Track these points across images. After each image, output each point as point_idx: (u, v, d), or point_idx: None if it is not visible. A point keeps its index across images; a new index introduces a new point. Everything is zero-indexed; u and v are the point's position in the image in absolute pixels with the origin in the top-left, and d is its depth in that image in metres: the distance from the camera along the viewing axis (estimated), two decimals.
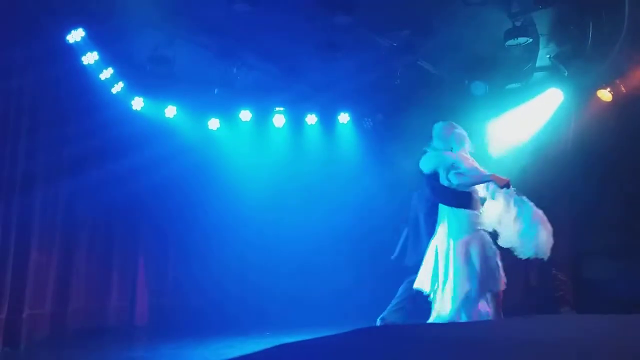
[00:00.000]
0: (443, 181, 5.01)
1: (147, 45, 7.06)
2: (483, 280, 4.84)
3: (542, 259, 4.92)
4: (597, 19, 6.41)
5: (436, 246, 5.06)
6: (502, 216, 4.93)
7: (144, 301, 7.91)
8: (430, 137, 5.31)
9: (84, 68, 6.97)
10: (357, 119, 9.04)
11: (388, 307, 6.08)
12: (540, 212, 4.89)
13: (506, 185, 4.83)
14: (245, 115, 8.71)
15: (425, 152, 5.27)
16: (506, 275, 5.43)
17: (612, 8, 6.17)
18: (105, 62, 7.14)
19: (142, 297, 7.91)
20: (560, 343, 2.72)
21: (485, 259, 4.88)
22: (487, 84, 7.51)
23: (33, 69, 6.32)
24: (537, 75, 7.47)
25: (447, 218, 5.04)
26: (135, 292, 7.85)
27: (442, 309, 4.87)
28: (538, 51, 6.99)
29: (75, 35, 6.73)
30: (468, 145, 5.22)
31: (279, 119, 8.89)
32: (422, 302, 5.22)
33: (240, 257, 8.56)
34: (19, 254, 6.14)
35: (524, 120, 7.60)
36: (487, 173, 4.99)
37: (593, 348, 2.54)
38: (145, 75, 7.49)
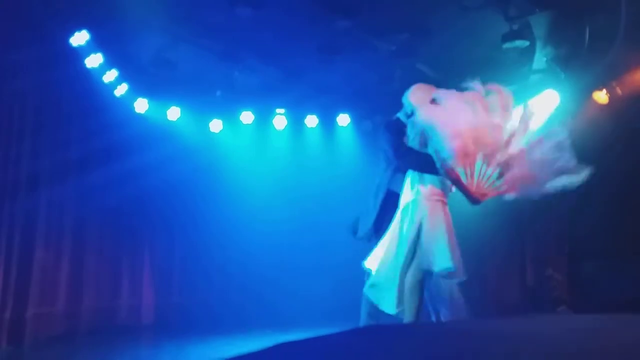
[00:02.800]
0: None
1: (150, 48, 7.13)
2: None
3: None
4: (594, 21, 6.47)
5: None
6: None
7: (150, 300, 8.00)
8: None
9: (87, 70, 7.02)
10: (356, 121, 9.11)
11: None
12: None
13: None
14: (247, 117, 8.79)
15: None
16: (502, 275, 5.44)
17: (609, 11, 6.23)
18: (109, 64, 7.21)
19: (148, 296, 7.99)
20: (557, 342, 2.76)
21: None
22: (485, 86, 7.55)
23: (37, 71, 6.38)
24: (534, 77, 7.53)
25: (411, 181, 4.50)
26: (141, 292, 7.94)
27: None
28: (535, 54, 7.05)
29: (79, 38, 6.79)
30: None
31: (280, 122, 8.97)
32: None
33: (242, 257, 8.62)
34: (23, 254, 6.23)
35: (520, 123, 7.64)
36: None
37: (590, 348, 2.58)
38: (148, 77, 7.56)
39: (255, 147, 9.07)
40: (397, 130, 4.80)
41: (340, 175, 8.87)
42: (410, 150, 4.55)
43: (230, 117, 8.79)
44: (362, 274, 8.50)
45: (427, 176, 4.42)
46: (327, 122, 9.21)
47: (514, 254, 7.67)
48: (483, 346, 2.69)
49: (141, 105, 7.91)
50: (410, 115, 4.64)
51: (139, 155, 7.35)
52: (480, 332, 3.42)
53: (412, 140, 4.60)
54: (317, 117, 9.15)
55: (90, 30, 6.82)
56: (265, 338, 6.33)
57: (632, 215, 6.77)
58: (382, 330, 3.49)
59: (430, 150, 4.35)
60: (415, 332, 3.49)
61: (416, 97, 4.69)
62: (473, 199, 4.24)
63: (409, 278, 4.34)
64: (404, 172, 4.63)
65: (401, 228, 4.44)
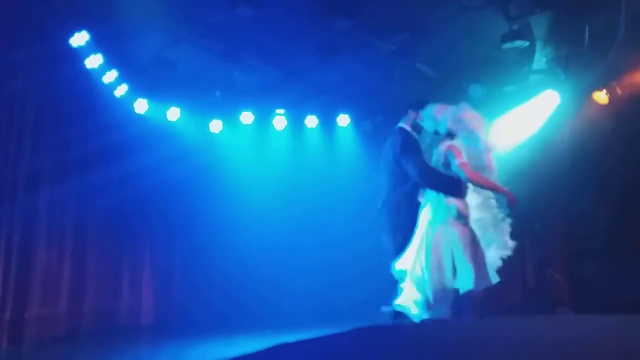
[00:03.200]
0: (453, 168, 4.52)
1: (149, 48, 7.13)
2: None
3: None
4: (594, 21, 6.47)
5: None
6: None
7: (150, 301, 7.98)
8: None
9: (87, 71, 7.01)
10: (356, 121, 9.11)
11: None
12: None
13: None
14: (247, 118, 8.79)
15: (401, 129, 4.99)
16: (503, 276, 5.38)
17: (609, 11, 6.23)
18: (108, 64, 7.20)
19: (148, 296, 7.98)
20: (558, 343, 2.76)
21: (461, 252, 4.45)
22: (485, 86, 7.56)
23: (37, 71, 6.37)
24: (534, 77, 7.53)
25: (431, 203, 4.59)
26: (142, 292, 7.92)
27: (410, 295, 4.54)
28: (535, 54, 7.05)
29: (79, 39, 6.78)
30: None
31: (279, 122, 8.97)
32: None
33: (242, 258, 8.61)
34: (23, 254, 6.21)
35: (521, 123, 7.66)
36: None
37: (591, 349, 2.58)
38: (148, 78, 7.56)
39: (255, 148, 9.07)
40: (414, 147, 4.84)
41: (340, 175, 8.87)
42: (436, 173, 4.61)
43: (230, 117, 8.78)
44: (361, 274, 8.39)
45: (452, 200, 4.52)
46: (327, 122, 9.21)
47: (514, 254, 7.65)
48: (484, 347, 2.69)
49: (141, 106, 7.90)
50: (445, 135, 4.66)
51: (139, 156, 7.34)
52: (481, 332, 3.42)
53: (435, 160, 4.65)
54: (317, 118, 9.15)
55: (89, 30, 6.80)
56: (266, 338, 6.32)
57: (633, 216, 6.77)
58: (382, 331, 3.49)
59: (453, 168, 4.50)
60: (415, 333, 3.49)
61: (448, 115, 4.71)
62: (512, 198, 4.49)
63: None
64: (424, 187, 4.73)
65: (428, 243, 4.51)
